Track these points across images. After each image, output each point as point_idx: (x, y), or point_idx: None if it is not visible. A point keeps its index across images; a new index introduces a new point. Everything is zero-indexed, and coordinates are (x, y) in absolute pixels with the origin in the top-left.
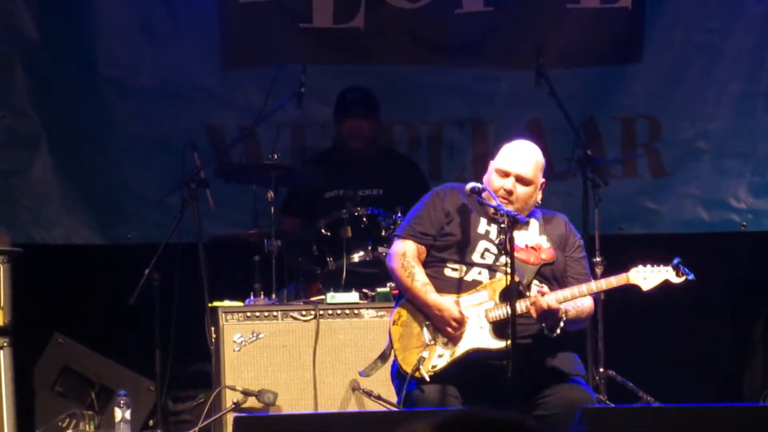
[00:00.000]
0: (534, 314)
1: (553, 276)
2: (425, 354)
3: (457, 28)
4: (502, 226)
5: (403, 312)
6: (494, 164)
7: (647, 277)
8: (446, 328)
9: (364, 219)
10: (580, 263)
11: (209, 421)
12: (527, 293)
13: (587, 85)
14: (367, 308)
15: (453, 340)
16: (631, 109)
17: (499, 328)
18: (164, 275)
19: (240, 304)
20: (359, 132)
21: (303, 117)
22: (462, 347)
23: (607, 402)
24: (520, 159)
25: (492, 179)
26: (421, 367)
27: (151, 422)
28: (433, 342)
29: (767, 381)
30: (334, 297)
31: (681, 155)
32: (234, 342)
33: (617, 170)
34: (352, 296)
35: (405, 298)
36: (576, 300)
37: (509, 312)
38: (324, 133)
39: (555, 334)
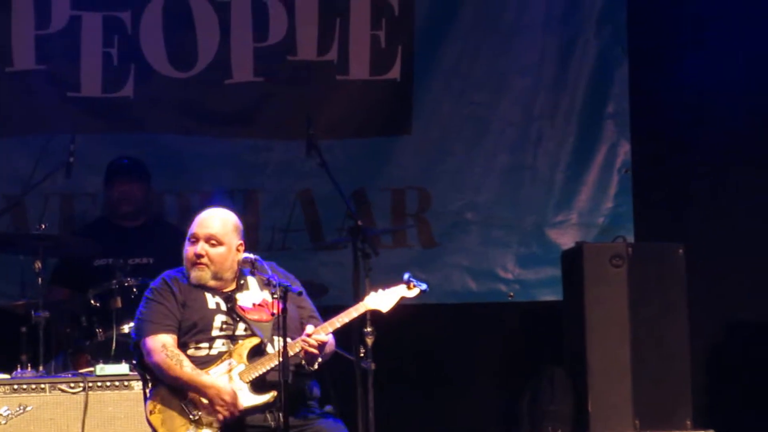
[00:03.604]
0: (310, 349)
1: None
2: (193, 428)
3: (227, 98)
4: (275, 296)
5: (156, 402)
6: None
7: (383, 299)
8: (222, 405)
9: (134, 289)
10: (306, 302)
11: None
12: (270, 349)
13: (358, 155)
14: (138, 380)
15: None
16: (400, 180)
17: (255, 384)
18: None
19: (7, 376)
20: (130, 195)
21: (72, 186)
22: None
23: None
24: (206, 222)
25: (186, 248)
26: None
27: None
28: (198, 416)
29: None
30: (103, 369)
31: (450, 226)
32: (0, 415)
33: (388, 241)
34: (122, 368)
35: (153, 390)
36: None
37: (260, 368)
38: (93, 202)
39: (314, 367)
